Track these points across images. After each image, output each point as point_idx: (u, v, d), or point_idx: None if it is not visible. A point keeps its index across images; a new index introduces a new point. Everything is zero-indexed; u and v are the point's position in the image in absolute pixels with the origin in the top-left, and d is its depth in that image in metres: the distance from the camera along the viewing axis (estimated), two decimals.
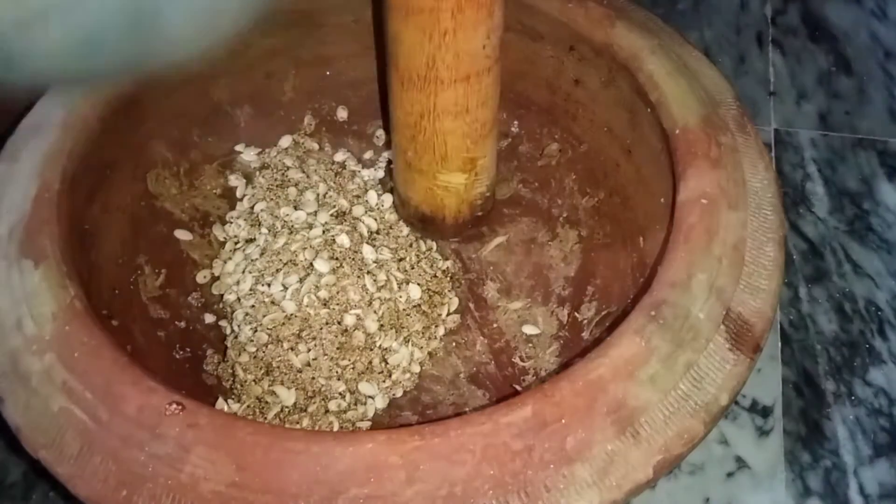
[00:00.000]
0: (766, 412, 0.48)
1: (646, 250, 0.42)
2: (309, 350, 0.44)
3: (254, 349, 0.44)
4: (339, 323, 0.44)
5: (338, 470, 0.29)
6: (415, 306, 0.46)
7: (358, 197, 0.50)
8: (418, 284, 0.46)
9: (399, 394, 0.44)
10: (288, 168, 0.51)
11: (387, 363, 0.44)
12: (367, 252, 0.46)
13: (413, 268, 0.47)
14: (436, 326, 0.46)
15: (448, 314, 0.47)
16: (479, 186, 0.45)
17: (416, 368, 0.45)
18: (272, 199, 0.49)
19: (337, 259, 0.46)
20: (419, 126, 0.41)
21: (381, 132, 0.54)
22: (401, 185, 0.46)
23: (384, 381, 0.44)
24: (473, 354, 0.46)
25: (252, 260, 0.47)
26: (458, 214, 0.46)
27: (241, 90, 0.50)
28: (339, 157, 0.52)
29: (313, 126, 0.53)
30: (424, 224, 0.47)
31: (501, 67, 0.40)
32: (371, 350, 0.44)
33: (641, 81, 0.41)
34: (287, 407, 0.42)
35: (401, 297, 0.46)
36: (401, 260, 0.47)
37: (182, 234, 0.47)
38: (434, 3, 0.35)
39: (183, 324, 0.45)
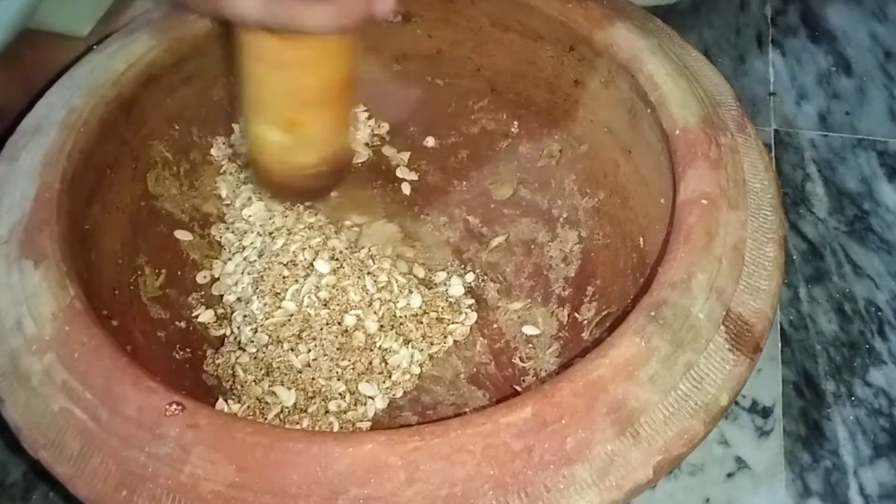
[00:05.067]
0: (766, 412, 0.48)
1: (646, 250, 0.42)
2: (309, 350, 0.44)
3: (254, 350, 0.44)
4: (339, 323, 0.44)
5: (338, 470, 0.29)
6: (414, 315, 0.46)
7: None
8: (420, 294, 0.46)
9: (399, 394, 0.44)
10: None
11: (387, 364, 0.44)
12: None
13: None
14: (444, 336, 0.46)
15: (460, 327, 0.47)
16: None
17: (416, 370, 0.45)
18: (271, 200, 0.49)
19: (337, 259, 0.46)
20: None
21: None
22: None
23: (384, 382, 0.44)
24: (473, 355, 0.46)
25: (252, 261, 0.47)
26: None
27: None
28: None
29: None
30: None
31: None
32: (371, 350, 0.44)
33: (641, 82, 0.41)
34: (287, 407, 0.42)
35: (400, 303, 0.46)
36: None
37: (182, 235, 0.47)
38: None
39: (183, 324, 0.45)
